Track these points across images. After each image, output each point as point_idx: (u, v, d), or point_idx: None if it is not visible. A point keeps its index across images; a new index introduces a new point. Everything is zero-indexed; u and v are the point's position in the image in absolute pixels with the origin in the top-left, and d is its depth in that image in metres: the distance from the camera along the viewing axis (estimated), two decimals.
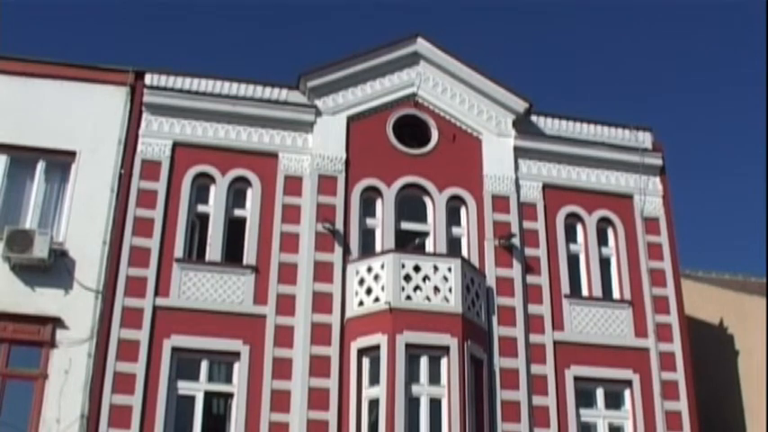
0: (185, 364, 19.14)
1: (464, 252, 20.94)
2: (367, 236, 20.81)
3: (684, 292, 22.18)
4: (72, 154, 20.23)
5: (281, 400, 18.91)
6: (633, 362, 20.95)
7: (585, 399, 20.65)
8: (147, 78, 21.05)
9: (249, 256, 20.05)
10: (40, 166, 20.23)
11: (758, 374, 22.77)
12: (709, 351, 23.78)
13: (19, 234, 18.89)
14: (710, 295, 24.94)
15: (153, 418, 18.45)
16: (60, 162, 20.27)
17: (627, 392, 20.83)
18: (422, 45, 22.34)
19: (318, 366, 19.18)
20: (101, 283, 19.25)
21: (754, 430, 22.91)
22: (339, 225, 20.43)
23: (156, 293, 19.38)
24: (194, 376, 19.10)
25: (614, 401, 20.88)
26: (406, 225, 21.14)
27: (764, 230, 47.01)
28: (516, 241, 21.17)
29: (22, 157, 20.19)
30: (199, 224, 20.52)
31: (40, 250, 18.77)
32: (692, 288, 24.06)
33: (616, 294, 21.70)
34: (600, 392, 20.73)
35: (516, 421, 19.71)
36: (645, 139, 23.13)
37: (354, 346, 19.31)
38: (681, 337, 21.47)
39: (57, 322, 18.74)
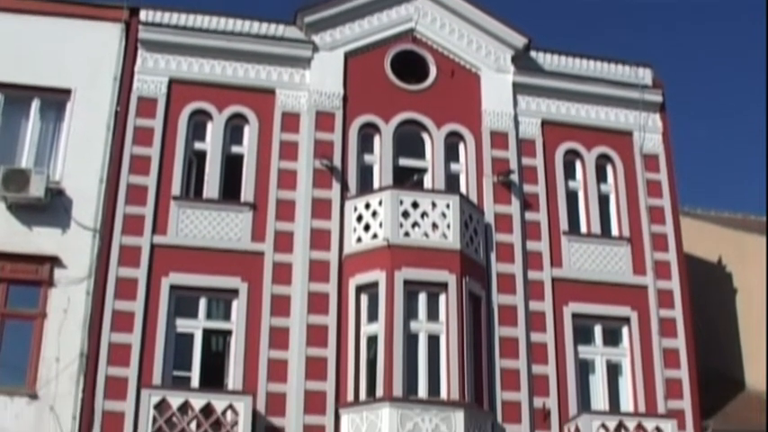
0: (184, 302, 19.19)
1: (462, 189, 20.88)
2: (365, 172, 20.76)
3: (683, 230, 22.14)
4: (67, 92, 20.06)
5: (279, 337, 18.99)
6: (631, 299, 20.99)
7: (583, 336, 20.73)
8: (142, 15, 20.82)
9: (247, 193, 19.99)
10: (35, 104, 20.08)
11: (756, 312, 22.80)
12: (708, 289, 23.79)
13: (15, 173, 18.80)
14: (709, 233, 24.89)
15: (152, 355, 18.53)
16: (55, 100, 20.12)
17: (625, 329, 20.90)
18: None
19: (317, 303, 19.23)
20: (98, 221, 19.20)
21: (751, 368, 22.99)
22: (337, 162, 20.37)
23: (154, 231, 19.35)
24: (193, 314, 19.17)
25: (612, 338, 20.95)
26: (404, 161, 21.07)
27: (764, 168, 46.95)
28: (515, 178, 21.09)
29: (17, 95, 20.04)
30: (196, 161, 20.42)
31: (36, 189, 18.68)
32: (690, 226, 23.99)
33: (615, 231, 21.68)
34: (598, 329, 20.80)
35: (514, 358, 19.79)
36: (645, 75, 22.94)
37: (353, 282, 19.35)
38: (679, 274, 21.48)
39: (54, 261, 18.72)
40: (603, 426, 19.13)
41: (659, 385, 20.46)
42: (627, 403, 20.45)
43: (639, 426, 19.28)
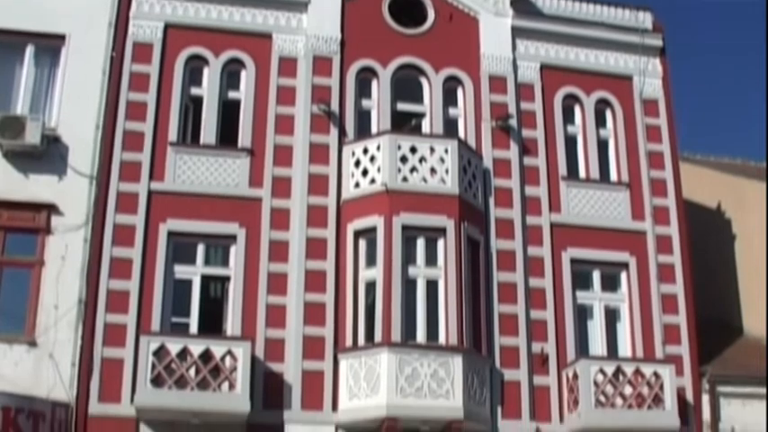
0: (182, 248, 19.17)
1: (461, 133, 20.81)
2: (363, 117, 20.66)
3: (683, 176, 22.09)
4: (61, 37, 19.84)
5: (277, 283, 18.99)
6: (630, 244, 20.98)
7: (582, 281, 20.76)
8: None
9: (244, 138, 19.91)
10: (29, 50, 19.87)
11: (755, 258, 22.80)
12: (707, 235, 23.76)
13: (10, 120, 18.67)
14: (709, 179, 24.83)
15: (150, 302, 18.55)
16: (50, 46, 19.92)
17: (623, 275, 20.92)
18: None
19: (315, 249, 19.23)
20: (95, 168, 19.13)
21: (749, 314, 23.06)
22: (334, 106, 20.25)
23: (151, 178, 19.28)
24: (191, 260, 19.15)
25: (610, 284, 20.98)
26: (402, 106, 20.96)
27: (764, 114, 46.77)
28: (513, 122, 21.02)
29: (10, 41, 19.81)
30: (192, 107, 20.30)
31: (32, 136, 18.56)
32: (690, 171, 23.90)
33: (614, 177, 21.63)
34: (596, 275, 20.82)
35: (513, 303, 19.84)
36: (645, 19, 22.73)
37: (351, 227, 19.33)
38: (678, 220, 21.47)
39: (51, 209, 18.66)
40: (601, 371, 19.19)
41: (657, 331, 20.52)
42: (625, 349, 20.52)
43: (637, 371, 19.34)
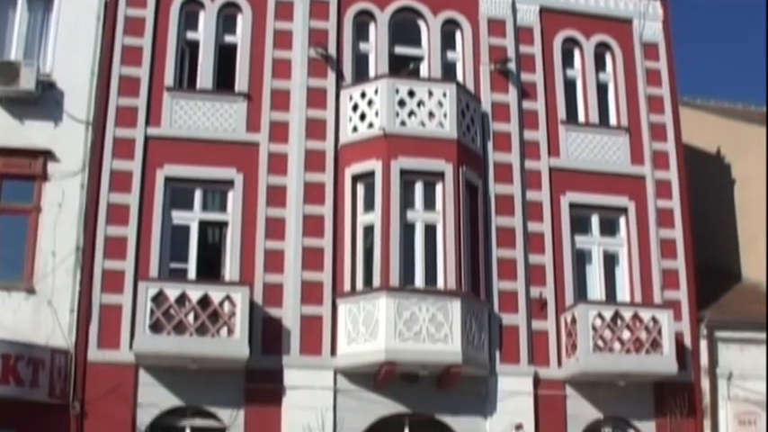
0: (179, 194, 19.11)
1: (459, 77, 20.67)
2: (360, 61, 20.48)
3: (682, 120, 21.98)
4: None
5: (275, 228, 18.96)
6: (629, 189, 20.94)
7: (581, 225, 20.74)
8: None
9: (241, 83, 19.75)
10: None
11: (754, 204, 22.74)
12: (706, 180, 23.67)
13: (4, 66, 18.54)
14: (709, 123, 24.68)
15: (148, 248, 18.52)
16: None
17: (622, 220, 20.90)
18: None
19: (313, 193, 19.17)
20: (90, 113, 18.98)
21: (748, 259, 23.07)
22: (332, 50, 20.09)
23: (148, 123, 19.15)
24: (188, 205, 19.09)
25: (609, 228, 20.96)
26: (399, 50, 20.79)
27: (764, 58, 46.49)
28: (512, 66, 20.86)
29: None
30: (189, 51, 20.11)
31: (26, 82, 18.39)
32: (690, 116, 23.76)
33: (613, 121, 21.52)
34: (595, 219, 20.80)
35: (511, 247, 19.83)
36: None
37: (349, 172, 19.27)
38: (677, 164, 21.40)
39: (48, 155, 18.56)
40: (600, 315, 19.23)
41: (656, 276, 20.54)
42: (623, 293, 20.57)
43: (635, 316, 19.38)
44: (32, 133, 18.63)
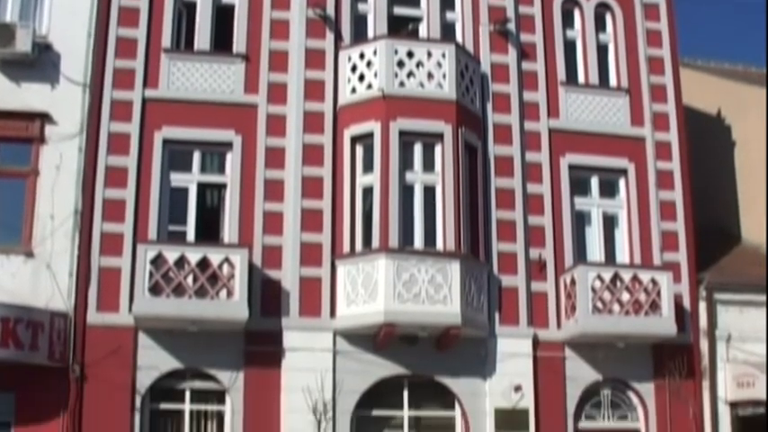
0: (177, 156, 19.03)
1: (458, 38, 20.54)
2: (359, 22, 20.31)
3: (683, 81, 21.87)
4: None
5: (274, 190, 18.90)
6: (629, 150, 20.88)
7: (580, 187, 20.70)
8: None
9: (239, 44, 19.62)
10: None
11: (754, 166, 22.69)
12: (706, 141, 23.61)
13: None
14: (709, 85, 24.57)
15: (146, 211, 18.48)
16: None
17: (621, 181, 20.86)
18: None
19: (311, 155, 19.10)
20: (87, 76, 18.85)
21: (748, 221, 23.07)
22: (330, 10, 19.93)
23: (145, 85, 19.04)
24: (187, 168, 19.03)
25: (609, 190, 20.93)
26: (398, 10, 20.63)
27: (765, 19, 46.19)
28: (512, 27, 20.68)
29: None
30: (186, 13, 19.91)
31: (23, 44, 18.23)
32: (690, 77, 23.64)
33: (613, 82, 21.41)
34: (594, 181, 20.75)
35: (510, 209, 19.80)
36: None
37: (347, 133, 19.19)
38: (677, 126, 21.32)
39: (45, 118, 18.45)
40: (599, 277, 19.24)
41: (655, 237, 20.54)
42: (623, 255, 20.57)
43: (635, 277, 19.39)
44: (29, 96, 18.50)
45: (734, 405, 20.14)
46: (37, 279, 17.74)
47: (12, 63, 18.45)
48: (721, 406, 20.10)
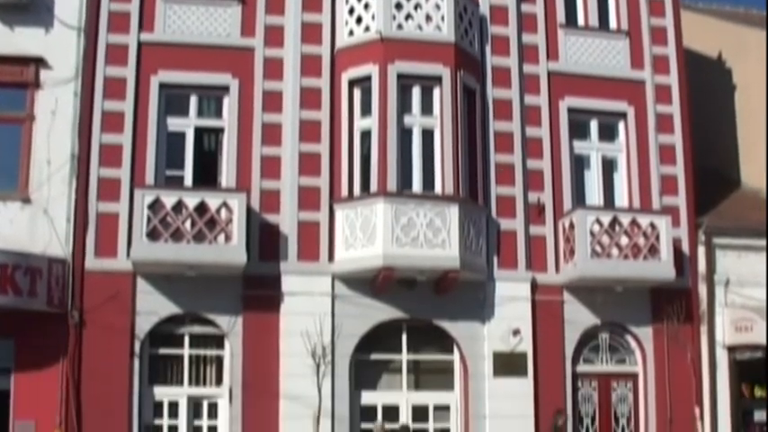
0: (174, 100, 18.91)
1: None
2: None
3: (683, 24, 21.64)
4: None
5: (272, 134, 18.80)
6: (628, 94, 20.74)
7: (579, 130, 20.59)
8: None
9: None
10: None
11: (755, 109, 22.53)
12: (706, 85, 23.42)
13: None
14: (710, 27, 24.31)
15: (144, 155, 18.38)
16: None
17: (621, 125, 20.75)
18: None
19: (309, 98, 18.97)
20: (82, 19, 18.65)
21: (747, 166, 22.99)
22: None
23: (141, 28, 18.86)
24: (184, 112, 18.92)
25: (608, 133, 20.82)
26: None
27: None
28: None
29: None
30: None
31: None
32: (691, 19, 23.33)
33: (613, 24, 21.20)
34: (594, 124, 20.64)
35: (509, 152, 19.71)
36: None
37: (345, 76, 19.04)
38: (678, 69, 21.16)
39: (40, 62, 18.27)
40: (598, 221, 19.22)
41: (654, 181, 20.48)
42: (621, 199, 20.54)
43: (634, 221, 19.36)
44: (23, 40, 18.30)
45: (732, 349, 20.20)
46: (34, 225, 17.68)
47: (5, 6, 18.24)
48: (719, 350, 20.16)
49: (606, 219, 19.25)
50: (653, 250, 19.22)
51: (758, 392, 20.58)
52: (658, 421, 19.51)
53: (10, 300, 16.68)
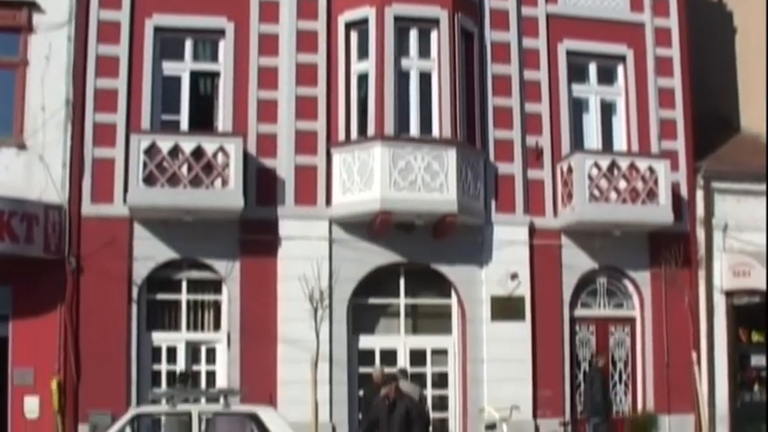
0: (169, 44, 18.73)
1: None
2: None
3: None
4: None
5: (268, 77, 18.64)
6: (628, 36, 20.55)
7: (578, 74, 20.44)
8: None
9: None
10: None
11: (755, 53, 22.30)
12: (707, 27, 23.10)
13: None
14: None
15: (139, 100, 18.23)
16: None
17: (620, 68, 20.61)
18: None
19: (305, 41, 18.78)
20: None
21: (747, 110, 22.79)
22: None
23: None
24: (179, 56, 18.75)
25: (607, 77, 20.69)
26: None
27: None
28: None
29: None
30: None
31: None
32: None
33: None
34: (593, 67, 20.51)
35: (507, 96, 19.57)
36: None
37: (342, 19, 18.84)
38: (678, 12, 20.97)
39: (32, 6, 18.03)
40: (596, 165, 19.16)
41: (653, 125, 20.37)
42: (620, 143, 20.42)
43: (632, 165, 19.30)
44: None
45: (729, 294, 20.27)
46: (30, 171, 17.58)
47: None
48: (717, 295, 20.21)
49: (605, 163, 19.19)
50: (651, 194, 19.17)
51: (755, 337, 20.65)
52: (655, 365, 19.59)
53: (7, 246, 16.63)
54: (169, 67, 18.60)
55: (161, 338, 17.96)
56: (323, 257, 17.97)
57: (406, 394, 14.97)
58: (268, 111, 18.48)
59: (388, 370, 17.41)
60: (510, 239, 19.01)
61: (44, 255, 17.11)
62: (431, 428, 17.33)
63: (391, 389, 14.66)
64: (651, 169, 19.26)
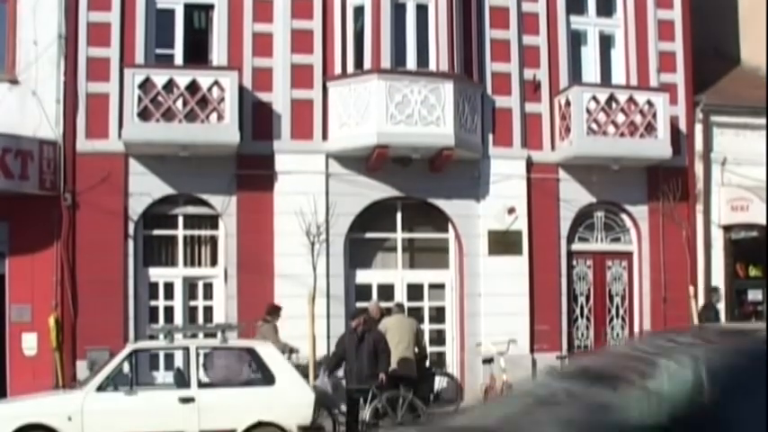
0: None
1: None
2: None
3: None
4: None
5: (263, 10, 18.33)
6: None
7: (576, 5, 20.13)
8: None
9: None
10: None
11: None
12: None
13: None
14: None
15: (133, 34, 17.94)
16: None
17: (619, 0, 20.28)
18: None
19: None
20: None
21: (747, 43, 22.43)
22: None
23: None
24: None
25: (606, 9, 20.41)
26: None
27: None
28: None
29: None
30: None
31: None
32: None
33: None
34: None
35: (505, 28, 19.34)
36: None
37: None
38: None
39: None
40: (594, 98, 18.98)
41: (652, 58, 20.14)
42: (619, 76, 20.19)
43: (631, 98, 19.12)
44: None
45: (727, 228, 20.22)
46: (23, 107, 17.35)
47: None
48: (714, 229, 20.17)
49: (603, 96, 19.01)
50: (649, 128, 19.03)
51: (753, 272, 20.68)
52: (653, 300, 19.61)
53: (2, 183, 16.54)
54: (162, 0, 18.25)
55: (158, 274, 17.95)
56: (319, 192, 17.87)
57: (375, 328, 15.09)
58: (263, 44, 18.23)
59: (384, 304, 17.51)
60: (507, 173, 18.89)
61: (39, 191, 16.99)
62: (428, 362, 17.50)
63: (360, 321, 14.74)
64: (650, 103, 19.08)
